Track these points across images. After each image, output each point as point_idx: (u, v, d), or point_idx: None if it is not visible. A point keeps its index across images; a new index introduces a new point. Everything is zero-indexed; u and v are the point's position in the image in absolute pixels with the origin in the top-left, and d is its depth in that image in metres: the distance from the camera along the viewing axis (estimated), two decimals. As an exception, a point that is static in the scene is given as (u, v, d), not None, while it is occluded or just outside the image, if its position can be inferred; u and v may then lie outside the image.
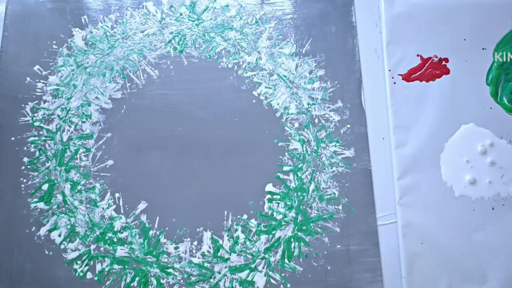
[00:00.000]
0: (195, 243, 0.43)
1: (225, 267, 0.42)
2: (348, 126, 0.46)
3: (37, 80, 0.47)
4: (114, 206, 0.44)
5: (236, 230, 0.43)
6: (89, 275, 0.42)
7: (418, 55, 0.48)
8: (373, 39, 0.49)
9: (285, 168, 0.45)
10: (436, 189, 0.44)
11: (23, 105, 0.46)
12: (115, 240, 0.43)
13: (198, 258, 0.43)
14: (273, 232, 0.43)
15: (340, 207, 0.44)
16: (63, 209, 0.44)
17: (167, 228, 0.43)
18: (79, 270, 0.42)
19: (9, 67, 0.47)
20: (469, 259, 0.42)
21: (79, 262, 0.42)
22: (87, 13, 0.49)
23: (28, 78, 0.47)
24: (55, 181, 0.44)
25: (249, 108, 0.47)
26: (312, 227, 0.44)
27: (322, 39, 0.49)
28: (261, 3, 0.50)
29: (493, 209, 0.43)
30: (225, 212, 0.44)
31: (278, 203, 0.44)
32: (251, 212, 0.44)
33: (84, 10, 0.49)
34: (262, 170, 0.45)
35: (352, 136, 0.46)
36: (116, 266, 0.42)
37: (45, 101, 0.47)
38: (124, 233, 0.43)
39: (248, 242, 0.43)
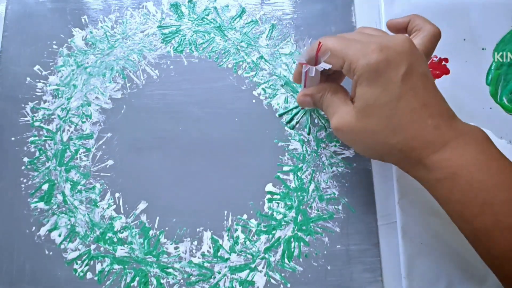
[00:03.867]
0: (195, 243, 0.43)
1: (225, 267, 0.42)
2: (348, 126, 0.46)
3: (37, 80, 0.47)
4: (114, 206, 0.44)
5: (236, 230, 0.43)
6: (89, 275, 0.42)
7: (418, 55, 0.48)
8: (373, 39, 0.49)
9: (285, 168, 0.45)
10: (436, 189, 0.44)
11: (23, 105, 0.46)
12: (115, 240, 0.43)
13: (198, 258, 0.43)
14: (273, 232, 0.43)
15: (340, 207, 0.44)
16: (63, 209, 0.44)
17: (167, 228, 0.43)
18: (79, 270, 0.42)
19: (9, 67, 0.47)
20: (469, 259, 0.42)
21: (79, 262, 0.42)
22: (87, 13, 0.49)
23: (28, 78, 0.47)
24: (55, 181, 0.45)
25: (249, 108, 0.47)
26: (312, 227, 0.44)
27: (322, 39, 0.49)
28: (261, 3, 0.50)
29: (493, 209, 0.43)
30: (225, 212, 0.44)
31: (278, 203, 0.44)
32: (251, 212, 0.44)
33: (84, 10, 0.50)
34: (262, 170, 0.45)
35: (352, 136, 0.46)
36: (116, 266, 0.42)
37: (45, 101, 0.47)
38: (124, 233, 0.43)
39: (248, 242, 0.43)
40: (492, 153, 0.32)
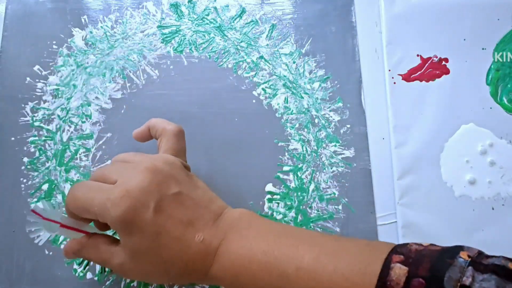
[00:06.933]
0: (195, 243, 0.43)
1: (225, 267, 0.42)
2: (348, 126, 0.46)
3: (37, 80, 0.47)
4: (114, 206, 0.44)
5: (236, 230, 0.43)
6: (89, 275, 0.42)
7: (418, 55, 0.48)
8: (373, 39, 0.49)
9: (285, 168, 0.45)
10: (436, 189, 0.44)
11: (23, 105, 0.46)
12: (115, 240, 0.43)
13: (198, 258, 0.43)
14: (273, 232, 0.43)
15: (340, 207, 0.44)
16: (63, 209, 0.44)
17: (167, 228, 0.43)
18: (79, 270, 0.42)
19: (9, 67, 0.47)
20: (469, 259, 0.42)
21: (79, 262, 0.42)
22: (87, 13, 0.49)
23: (28, 78, 0.47)
24: (55, 181, 0.44)
25: (249, 108, 0.47)
26: (312, 227, 0.43)
27: (322, 39, 0.49)
28: (261, 3, 0.50)
29: (493, 209, 0.44)
30: (225, 212, 0.44)
31: (278, 203, 0.44)
32: (251, 212, 0.44)
33: (84, 10, 0.49)
34: (262, 170, 0.45)
35: (352, 136, 0.46)
36: (116, 266, 0.42)
37: (45, 101, 0.47)
38: (124, 233, 0.43)
39: (248, 242, 0.43)
40: (255, 242, 0.33)
